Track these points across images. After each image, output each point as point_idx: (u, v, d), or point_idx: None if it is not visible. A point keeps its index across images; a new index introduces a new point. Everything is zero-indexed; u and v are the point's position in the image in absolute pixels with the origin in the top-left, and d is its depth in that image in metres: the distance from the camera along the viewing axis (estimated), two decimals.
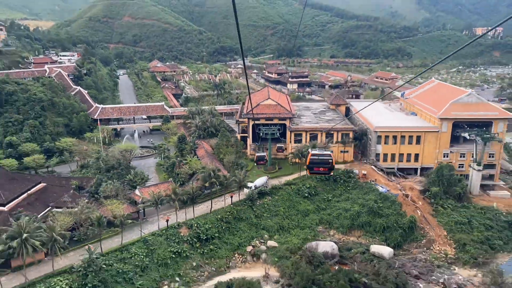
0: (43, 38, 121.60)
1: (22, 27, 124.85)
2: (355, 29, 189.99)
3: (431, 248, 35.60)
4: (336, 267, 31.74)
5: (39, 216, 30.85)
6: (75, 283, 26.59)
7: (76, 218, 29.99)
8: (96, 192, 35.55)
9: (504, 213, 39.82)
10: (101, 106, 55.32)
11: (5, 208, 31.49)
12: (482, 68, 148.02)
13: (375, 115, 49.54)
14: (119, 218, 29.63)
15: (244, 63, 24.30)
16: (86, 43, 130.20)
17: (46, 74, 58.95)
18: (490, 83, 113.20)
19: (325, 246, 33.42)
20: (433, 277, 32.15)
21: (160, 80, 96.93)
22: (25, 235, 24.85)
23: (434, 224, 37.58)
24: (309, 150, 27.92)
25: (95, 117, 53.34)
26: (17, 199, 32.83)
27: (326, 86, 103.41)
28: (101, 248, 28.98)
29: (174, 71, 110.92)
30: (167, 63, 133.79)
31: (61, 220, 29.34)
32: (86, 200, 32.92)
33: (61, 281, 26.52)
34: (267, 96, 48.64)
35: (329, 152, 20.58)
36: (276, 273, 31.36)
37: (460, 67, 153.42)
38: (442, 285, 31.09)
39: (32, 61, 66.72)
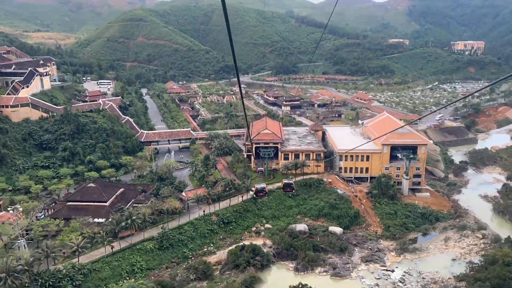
0: (76, 63, 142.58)
1: (56, 53, 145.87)
2: (345, 47, 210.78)
3: (368, 229, 56.32)
4: (306, 239, 52.34)
5: (125, 208, 51.47)
6: (156, 245, 47.23)
7: (151, 209, 50.56)
8: (157, 194, 56.33)
9: (420, 207, 60.59)
10: (146, 132, 76.17)
11: (107, 204, 52.14)
12: (452, 86, 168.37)
13: (341, 138, 70.35)
14: (178, 209, 50.37)
15: (242, 96, 44.65)
16: (111, 67, 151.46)
17: (101, 107, 79.72)
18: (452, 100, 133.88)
19: (301, 227, 54.01)
20: (365, 245, 52.89)
21: (177, 101, 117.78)
22: (133, 217, 45.58)
23: (372, 214, 58.33)
24: (283, 180, 57.19)
25: (142, 140, 74.19)
26: (111, 198, 53.46)
27: (315, 105, 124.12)
28: (167, 226, 49.62)
29: (188, 92, 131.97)
30: (180, 83, 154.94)
31: (143, 211, 49.90)
32: (153, 198, 53.68)
33: (148, 244, 47.11)
34: (265, 126, 69.41)
35: (292, 181, 41.13)
36: (270, 242, 51.98)
37: (435, 84, 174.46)
38: (369, 249, 51.76)
39: (88, 94, 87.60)
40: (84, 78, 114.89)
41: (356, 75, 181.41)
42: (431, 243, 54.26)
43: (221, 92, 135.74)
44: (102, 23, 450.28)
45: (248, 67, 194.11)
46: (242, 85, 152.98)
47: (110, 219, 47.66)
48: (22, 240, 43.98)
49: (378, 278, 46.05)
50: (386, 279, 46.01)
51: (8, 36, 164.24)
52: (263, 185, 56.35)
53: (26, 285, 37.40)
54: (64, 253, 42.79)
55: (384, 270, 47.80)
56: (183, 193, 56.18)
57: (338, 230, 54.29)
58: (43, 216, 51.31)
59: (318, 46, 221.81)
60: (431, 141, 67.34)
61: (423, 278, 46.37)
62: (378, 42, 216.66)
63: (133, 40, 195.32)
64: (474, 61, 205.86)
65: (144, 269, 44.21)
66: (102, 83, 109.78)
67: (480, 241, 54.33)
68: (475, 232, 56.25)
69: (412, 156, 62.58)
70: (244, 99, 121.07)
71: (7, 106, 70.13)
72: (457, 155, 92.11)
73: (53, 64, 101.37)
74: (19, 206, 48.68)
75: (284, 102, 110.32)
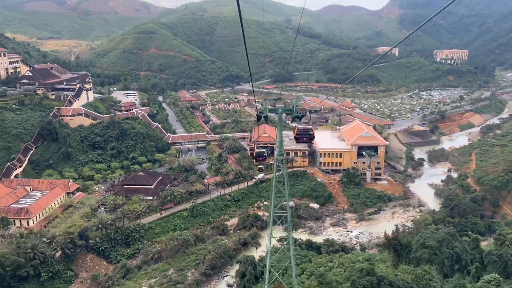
0: (101, 75, 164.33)
1: (84, 66, 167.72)
2: (337, 57, 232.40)
3: (338, 206, 77.96)
4: (293, 211, 73.75)
5: (166, 189, 73.02)
6: (189, 214, 68.79)
7: (184, 189, 72.07)
8: (186, 180, 78.05)
9: (378, 191, 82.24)
10: (171, 135, 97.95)
11: (152, 187, 73.67)
12: (430, 94, 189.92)
13: (322, 140, 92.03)
14: (202, 190, 72.07)
15: (254, 96, 64.52)
16: (129, 75, 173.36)
17: (135, 115, 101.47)
18: (426, 108, 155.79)
19: (290, 204, 75.53)
20: (334, 216, 74.44)
21: (190, 108, 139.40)
22: (175, 194, 67.25)
23: (341, 196, 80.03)
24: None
25: (169, 141, 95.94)
26: (154, 183, 74.99)
27: (307, 111, 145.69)
28: (196, 201, 71.17)
29: (198, 100, 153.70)
30: (190, 91, 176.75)
31: (180, 190, 71.40)
32: (184, 183, 75.37)
33: (184, 213, 68.60)
34: (264, 131, 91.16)
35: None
36: (266, 214, 73.56)
37: (415, 91, 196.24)
38: (337, 219, 73.26)
39: (122, 105, 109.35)
40: (111, 89, 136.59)
41: (344, 83, 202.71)
42: (382, 215, 76.02)
43: (226, 100, 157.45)
44: (110, 29, 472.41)
45: (249, 77, 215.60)
46: (244, 93, 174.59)
47: (157, 197, 69.39)
48: (102, 208, 65.84)
49: (340, 235, 67.73)
50: (346, 236, 67.70)
51: (30, 45, 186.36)
52: (262, 149, 48.21)
53: (112, 234, 59.03)
54: (129, 216, 64.43)
55: (345, 231, 69.53)
56: (205, 180, 77.85)
57: (316, 206, 75.90)
58: (107, 195, 72.90)
59: (313, 55, 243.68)
60: (387, 143, 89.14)
61: (371, 235, 68.01)
62: (366, 53, 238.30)
63: (146, 51, 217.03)
64: (453, 70, 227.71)
65: (182, 228, 65.84)
66: (129, 94, 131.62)
67: (418, 214, 76.09)
68: (416, 208, 78.03)
69: (373, 153, 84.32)
70: (247, 107, 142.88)
71: (66, 116, 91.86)
72: (420, 153, 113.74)
73: (89, 78, 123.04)
74: (96, 187, 70.54)
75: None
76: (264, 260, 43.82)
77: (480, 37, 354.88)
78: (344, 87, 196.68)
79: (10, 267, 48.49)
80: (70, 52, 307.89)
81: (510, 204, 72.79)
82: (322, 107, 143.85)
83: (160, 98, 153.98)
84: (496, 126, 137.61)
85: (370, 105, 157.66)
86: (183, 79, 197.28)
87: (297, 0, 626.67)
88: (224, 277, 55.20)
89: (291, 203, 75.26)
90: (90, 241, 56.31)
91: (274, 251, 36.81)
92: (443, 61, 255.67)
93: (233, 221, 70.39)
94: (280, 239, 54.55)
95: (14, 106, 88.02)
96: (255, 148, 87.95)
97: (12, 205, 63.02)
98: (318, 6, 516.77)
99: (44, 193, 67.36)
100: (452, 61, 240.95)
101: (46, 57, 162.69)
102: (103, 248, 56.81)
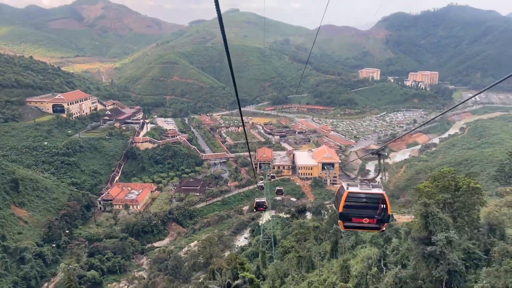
0: (138, 102, 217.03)
1: (119, 91, 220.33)
2: (324, 82, 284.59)
3: (307, 199, 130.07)
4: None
5: (207, 188, 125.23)
6: (220, 203, 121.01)
7: (217, 189, 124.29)
8: (216, 184, 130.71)
9: (333, 191, 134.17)
10: (203, 154, 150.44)
11: (198, 187, 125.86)
12: (396, 115, 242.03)
13: (301, 158, 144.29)
14: (228, 189, 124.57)
15: (246, 138, 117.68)
16: (160, 105, 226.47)
17: (178, 140, 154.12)
18: (383, 129, 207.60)
19: (278, 197, 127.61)
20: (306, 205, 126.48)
21: (210, 130, 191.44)
22: (213, 191, 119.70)
23: (310, 194, 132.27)
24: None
25: (202, 159, 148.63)
26: (199, 185, 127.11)
27: (296, 132, 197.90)
28: (224, 196, 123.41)
29: (215, 123, 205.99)
30: (207, 114, 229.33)
31: (214, 190, 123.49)
32: (216, 185, 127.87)
33: (217, 203, 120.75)
34: (264, 152, 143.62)
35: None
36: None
37: (384, 113, 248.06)
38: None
39: (169, 133, 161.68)
40: (154, 117, 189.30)
41: (329, 106, 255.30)
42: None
43: (236, 122, 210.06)
44: (125, 45, 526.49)
45: (253, 99, 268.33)
46: (248, 116, 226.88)
47: (202, 193, 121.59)
48: (174, 199, 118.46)
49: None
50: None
51: (87, 79, 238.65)
52: (263, 199, 45.55)
53: (183, 212, 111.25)
54: (189, 203, 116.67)
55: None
56: (228, 184, 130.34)
57: (294, 199, 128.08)
58: (174, 192, 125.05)
59: (305, 80, 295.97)
60: (339, 161, 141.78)
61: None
62: (348, 79, 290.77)
63: (170, 79, 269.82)
64: (418, 93, 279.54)
65: (218, 211, 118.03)
66: (168, 122, 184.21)
67: None
68: None
69: (331, 168, 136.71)
70: (251, 130, 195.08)
71: (138, 142, 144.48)
72: (371, 166, 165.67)
73: (141, 111, 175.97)
74: (165, 188, 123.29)
75: (275, 133, 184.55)
76: (263, 225, 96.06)
77: (454, 58, 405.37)
78: (327, 110, 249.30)
79: (139, 227, 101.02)
80: (99, 72, 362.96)
81: None
82: (306, 129, 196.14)
83: (186, 120, 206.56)
84: (433, 144, 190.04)
85: (344, 127, 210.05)
86: (200, 103, 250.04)
87: (294, 19, 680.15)
88: (242, 235, 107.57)
89: (278, 198, 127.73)
90: (173, 215, 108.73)
91: (267, 221, 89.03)
92: (414, 83, 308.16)
93: (246, 207, 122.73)
94: (272, 217, 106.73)
95: (106, 137, 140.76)
96: (258, 164, 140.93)
97: (125, 197, 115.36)
98: (316, 24, 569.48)
99: (139, 191, 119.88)
100: (420, 84, 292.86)
101: (99, 89, 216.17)
102: (180, 219, 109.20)
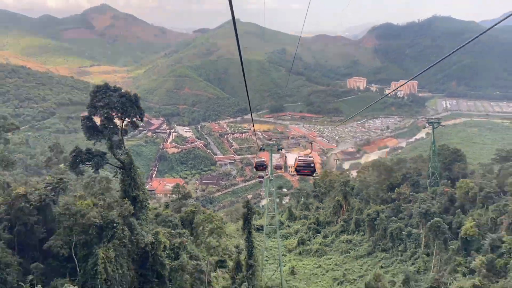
0: (160, 113, 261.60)
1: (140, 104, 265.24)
2: (315, 92, 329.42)
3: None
4: None
5: (221, 182, 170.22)
6: (232, 192, 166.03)
7: (229, 183, 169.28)
8: (228, 179, 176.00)
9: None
10: (216, 156, 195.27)
11: (215, 182, 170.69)
12: (372, 122, 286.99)
13: (290, 158, 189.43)
14: (237, 183, 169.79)
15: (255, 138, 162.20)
16: (176, 114, 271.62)
17: (197, 146, 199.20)
18: (363, 134, 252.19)
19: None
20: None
21: (219, 136, 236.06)
22: (226, 184, 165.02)
23: (297, 185, 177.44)
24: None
25: (216, 160, 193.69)
26: (216, 179, 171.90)
27: (289, 138, 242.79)
28: (234, 188, 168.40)
29: (223, 130, 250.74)
30: (215, 122, 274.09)
31: (225, 183, 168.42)
32: (227, 180, 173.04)
33: (229, 192, 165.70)
34: (262, 155, 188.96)
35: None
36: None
37: (364, 120, 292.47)
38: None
39: (190, 140, 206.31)
40: (183, 127, 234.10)
41: (319, 114, 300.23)
42: None
43: (240, 129, 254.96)
44: (134, 53, 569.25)
45: (253, 108, 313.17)
46: (250, 123, 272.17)
47: (218, 186, 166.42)
48: (198, 190, 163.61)
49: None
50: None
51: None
52: (262, 159, 45.32)
53: (206, 198, 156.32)
54: (209, 192, 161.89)
55: None
56: (236, 179, 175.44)
57: (285, 190, 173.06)
58: (198, 185, 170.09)
59: (299, 90, 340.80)
60: (320, 161, 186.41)
61: None
62: (336, 89, 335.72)
63: (182, 90, 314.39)
64: (396, 102, 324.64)
65: (230, 198, 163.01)
66: (186, 130, 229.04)
67: None
68: None
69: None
70: (252, 136, 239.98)
71: (166, 148, 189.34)
72: (347, 165, 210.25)
73: (165, 122, 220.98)
74: (190, 182, 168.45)
75: (273, 139, 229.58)
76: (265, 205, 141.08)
77: (434, 67, 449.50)
78: (317, 117, 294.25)
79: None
80: (116, 82, 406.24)
81: None
82: (296, 136, 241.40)
83: (199, 127, 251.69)
84: (400, 147, 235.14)
85: (329, 133, 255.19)
86: (209, 112, 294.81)
87: (291, 28, 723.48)
88: None
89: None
90: (199, 200, 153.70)
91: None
92: (393, 92, 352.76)
93: (250, 195, 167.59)
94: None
95: (144, 144, 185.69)
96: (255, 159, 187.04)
97: (163, 188, 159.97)
98: (311, 33, 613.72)
99: (172, 184, 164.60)
100: (398, 93, 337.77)
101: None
102: (203, 203, 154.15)
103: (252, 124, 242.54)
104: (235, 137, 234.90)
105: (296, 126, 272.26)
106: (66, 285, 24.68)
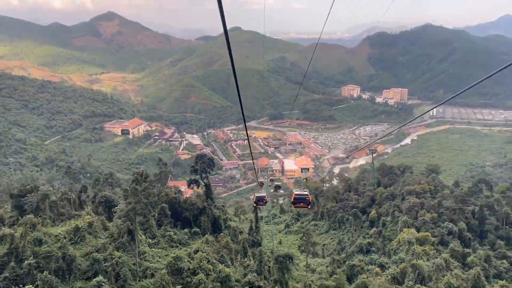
0: (169, 121, 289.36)
1: (149, 108, 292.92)
2: (311, 101, 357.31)
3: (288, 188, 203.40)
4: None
5: (227, 184, 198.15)
6: (237, 193, 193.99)
7: (234, 185, 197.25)
8: (232, 182, 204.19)
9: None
10: (222, 161, 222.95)
11: (222, 184, 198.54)
12: (363, 129, 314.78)
13: (287, 164, 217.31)
14: (240, 185, 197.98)
15: (250, 149, 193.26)
16: (184, 122, 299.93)
17: (205, 152, 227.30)
18: (354, 141, 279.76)
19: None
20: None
21: (224, 143, 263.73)
22: (231, 186, 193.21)
23: (293, 187, 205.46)
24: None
25: (222, 165, 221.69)
26: (222, 182, 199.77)
27: (286, 144, 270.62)
28: (238, 189, 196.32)
29: (227, 136, 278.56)
30: (219, 129, 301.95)
31: (231, 185, 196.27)
32: (232, 183, 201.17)
33: (234, 193, 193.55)
34: (263, 161, 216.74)
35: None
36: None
37: (355, 127, 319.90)
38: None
39: (198, 147, 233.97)
40: (184, 133, 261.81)
41: (314, 121, 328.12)
42: None
43: (242, 136, 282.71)
44: (141, 60, 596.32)
45: (254, 115, 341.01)
46: (251, 130, 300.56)
47: (224, 187, 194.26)
48: None
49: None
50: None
51: (121, 102, 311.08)
52: (263, 194, 48.02)
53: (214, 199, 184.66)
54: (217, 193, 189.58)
55: None
56: (240, 181, 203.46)
57: (282, 191, 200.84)
58: None
59: (297, 99, 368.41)
60: (313, 166, 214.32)
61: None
62: (331, 98, 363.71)
63: (189, 100, 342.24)
64: (386, 110, 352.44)
65: (234, 198, 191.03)
66: (194, 137, 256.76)
67: None
68: None
69: (306, 171, 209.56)
70: (253, 142, 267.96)
71: (179, 154, 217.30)
72: (337, 169, 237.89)
73: (177, 131, 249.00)
74: None
75: (271, 146, 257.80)
76: None
77: (425, 75, 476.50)
78: (312, 124, 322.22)
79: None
80: (125, 89, 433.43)
81: None
82: (292, 143, 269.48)
83: (205, 134, 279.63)
84: (386, 153, 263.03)
85: (323, 140, 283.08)
86: (213, 119, 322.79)
87: (292, 28, 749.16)
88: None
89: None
90: None
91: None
92: (385, 100, 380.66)
93: (252, 196, 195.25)
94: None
95: (159, 151, 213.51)
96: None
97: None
98: (310, 41, 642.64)
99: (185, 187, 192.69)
100: (388, 101, 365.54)
101: (139, 111, 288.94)
102: None
103: (246, 134, 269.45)
104: (238, 144, 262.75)
105: (293, 133, 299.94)
106: None
